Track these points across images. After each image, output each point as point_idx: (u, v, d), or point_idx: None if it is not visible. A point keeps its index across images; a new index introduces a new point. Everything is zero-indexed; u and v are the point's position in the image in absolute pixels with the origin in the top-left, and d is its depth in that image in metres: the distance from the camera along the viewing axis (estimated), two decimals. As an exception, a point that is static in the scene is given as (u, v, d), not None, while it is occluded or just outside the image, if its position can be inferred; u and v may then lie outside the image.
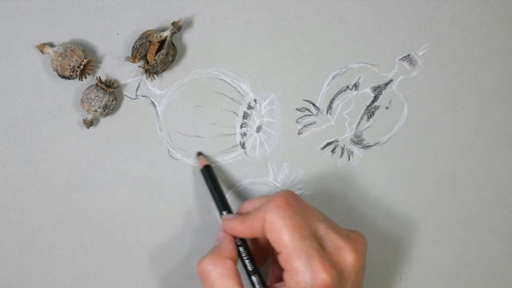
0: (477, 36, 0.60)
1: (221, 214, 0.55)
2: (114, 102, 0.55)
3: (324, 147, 0.59)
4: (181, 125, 0.57)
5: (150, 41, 0.54)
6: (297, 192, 0.59)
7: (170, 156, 0.57)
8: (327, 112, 0.59)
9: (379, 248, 0.60)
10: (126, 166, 0.56)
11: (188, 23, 0.56)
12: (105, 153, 0.56)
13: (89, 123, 0.55)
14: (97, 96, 0.54)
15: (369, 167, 0.59)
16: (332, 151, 0.59)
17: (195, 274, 0.58)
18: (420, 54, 0.59)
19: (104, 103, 0.54)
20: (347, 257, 0.48)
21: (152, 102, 0.56)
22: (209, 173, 0.56)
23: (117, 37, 0.55)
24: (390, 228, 0.60)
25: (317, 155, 0.59)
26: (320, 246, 0.48)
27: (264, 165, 0.58)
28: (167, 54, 0.54)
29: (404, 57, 0.59)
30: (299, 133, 0.59)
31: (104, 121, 0.56)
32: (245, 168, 0.58)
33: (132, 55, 0.55)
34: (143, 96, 0.56)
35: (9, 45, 0.55)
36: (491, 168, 0.61)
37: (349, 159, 0.59)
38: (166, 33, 0.54)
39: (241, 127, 0.58)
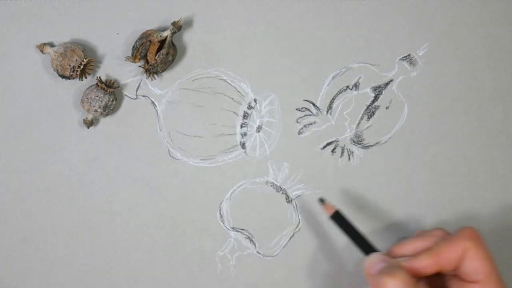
0: (477, 36, 0.60)
1: (367, 254, 0.53)
2: (114, 102, 0.55)
3: (324, 147, 0.59)
4: (181, 125, 0.57)
5: (150, 41, 0.54)
6: (297, 192, 0.59)
7: (170, 156, 0.57)
8: (327, 112, 0.59)
9: (378, 248, 0.60)
10: (126, 166, 0.56)
11: (188, 23, 0.56)
12: (105, 153, 0.56)
13: (89, 123, 0.55)
14: (97, 96, 0.54)
15: (369, 167, 0.59)
16: (332, 151, 0.59)
17: (194, 274, 0.58)
18: (420, 54, 0.59)
19: (104, 103, 0.54)
20: None
21: (152, 102, 0.56)
22: (341, 219, 0.54)
23: (117, 37, 0.56)
24: (390, 228, 0.60)
25: (317, 155, 0.59)
26: None
27: (264, 165, 0.58)
28: (167, 54, 0.54)
29: (404, 57, 0.59)
30: (299, 133, 0.59)
31: (104, 121, 0.56)
32: (245, 168, 0.58)
33: (132, 55, 0.55)
34: (143, 96, 0.56)
35: (9, 45, 0.55)
36: (491, 168, 0.61)
37: (349, 159, 0.59)
38: (166, 33, 0.54)
39: (241, 127, 0.58)
